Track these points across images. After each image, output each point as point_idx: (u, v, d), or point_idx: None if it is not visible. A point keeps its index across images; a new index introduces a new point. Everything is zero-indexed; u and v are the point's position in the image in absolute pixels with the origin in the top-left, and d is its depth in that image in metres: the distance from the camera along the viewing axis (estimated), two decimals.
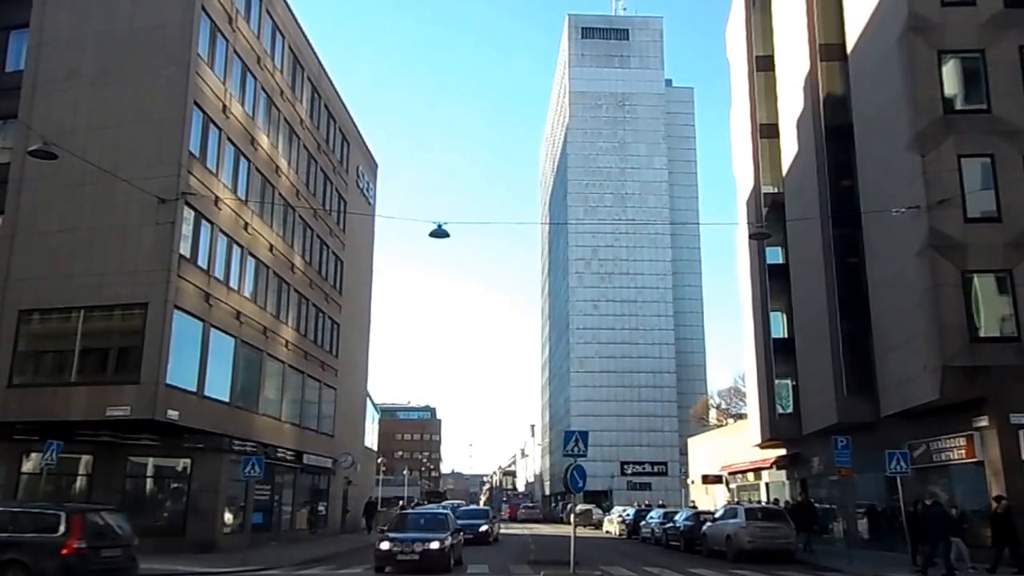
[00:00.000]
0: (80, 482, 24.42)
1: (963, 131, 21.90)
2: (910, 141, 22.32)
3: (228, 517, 26.97)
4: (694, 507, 37.73)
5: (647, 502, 54.07)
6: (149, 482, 25.65)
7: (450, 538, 18.90)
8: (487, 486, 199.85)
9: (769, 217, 33.80)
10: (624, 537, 39.73)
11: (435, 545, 18.13)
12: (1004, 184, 21.54)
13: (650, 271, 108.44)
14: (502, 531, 48.93)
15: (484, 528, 32.12)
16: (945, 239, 21.36)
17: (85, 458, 24.30)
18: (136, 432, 24.09)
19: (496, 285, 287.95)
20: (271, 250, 31.33)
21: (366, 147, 48.25)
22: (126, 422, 22.94)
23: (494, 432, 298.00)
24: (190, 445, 25.13)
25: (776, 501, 31.39)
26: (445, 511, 22.98)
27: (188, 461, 25.44)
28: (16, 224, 24.69)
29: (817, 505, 27.54)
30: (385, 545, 18.06)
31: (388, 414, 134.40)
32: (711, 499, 46.04)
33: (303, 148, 35.80)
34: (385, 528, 21.14)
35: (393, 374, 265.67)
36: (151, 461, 25.47)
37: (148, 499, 25.45)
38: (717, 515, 26.92)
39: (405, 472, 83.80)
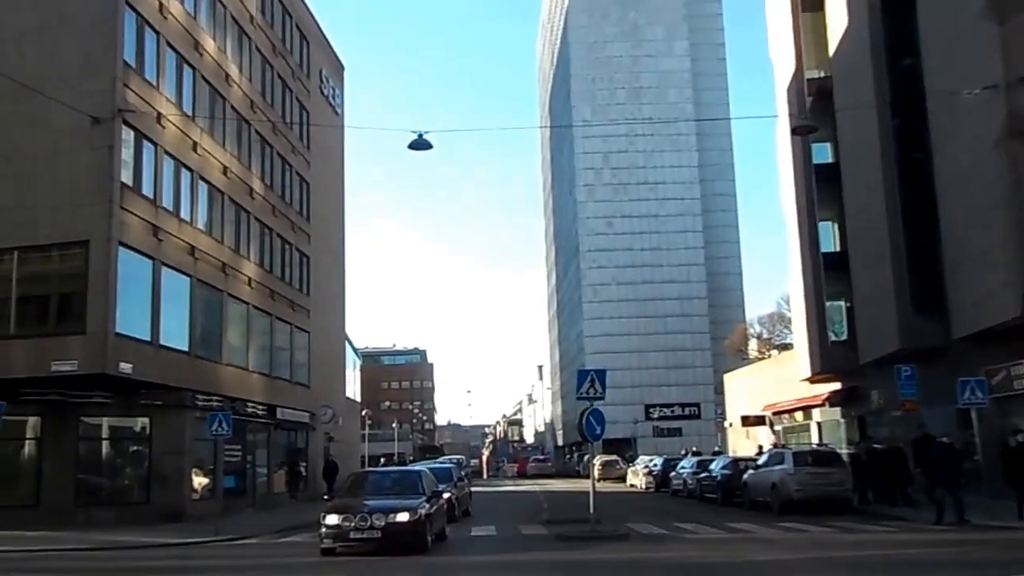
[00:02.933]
0: (28, 447, 25.17)
1: None
2: (984, 6, 22.08)
3: (196, 482, 27.80)
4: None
5: (693, 448, 54.58)
6: (105, 445, 26.38)
7: (426, 505, 16.32)
8: (490, 438, 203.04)
9: (815, 107, 33.57)
10: (651, 490, 40.63)
11: (404, 516, 15.42)
12: None
13: (673, 179, 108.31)
14: (504, 489, 50.08)
15: (446, 495, 23.61)
16: None
17: (32, 420, 24.94)
18: (87, 389, 24.67)
19: (490, 205, 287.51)
20: (225, 173, 31.45)
21: (330, 47, 47.74)
22: (75, 378, 23.48)
23: (496, 376, 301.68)
24: (148, 402, 25.76)
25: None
26: (419, 469, 20.92)
27: (147, 420, 26.11)
28: None
29: (877, 447, 26.38)
30: (333, 519, 15.45)
31: (371, 359, 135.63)
32: (752, 444, 46.99)
33: (256, 51, 35.50)
34: (327, 495, 19.80)
35: (375, 315, 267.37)
36: (105, 421, 26.13)
37: (105, 464, 26.21)
38: (760, 461, 27.53)
39: (394, 425, 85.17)
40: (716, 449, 53.33)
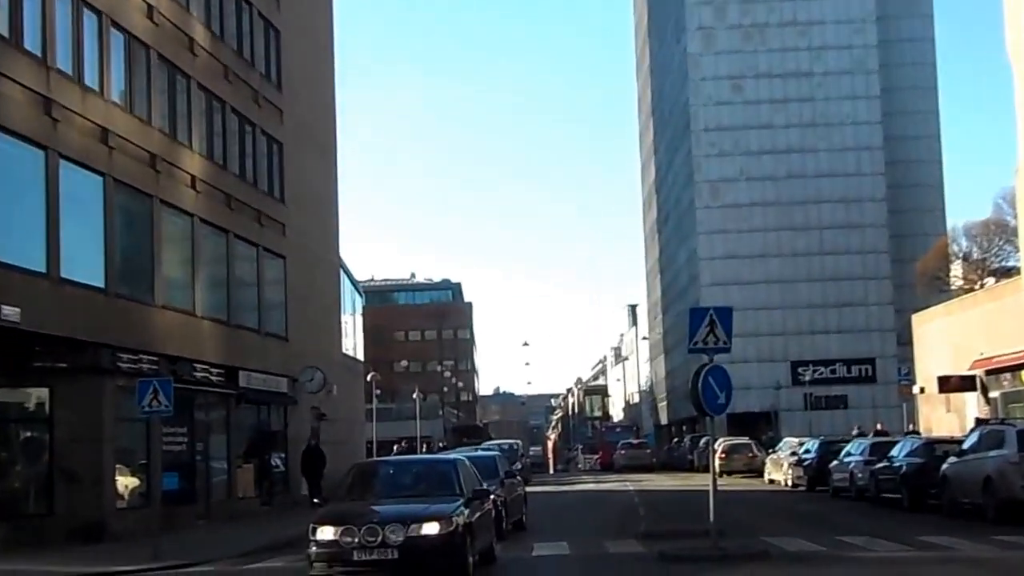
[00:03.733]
0: None
1: None
2: None
3: (122, 483, 28.17)
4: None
5: (879, 424, 53.08)
6: None
7: (465, 511, 16.66)
8: (558, 414, 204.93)
9: None
10: (801, 488, 40.68)
11: (432, 527, 15.73)
12: None
13: (836, 16, 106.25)
14: (580, 488, 50.34)
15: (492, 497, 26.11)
16: None
17: None
18: None
19: (557, 61, 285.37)
20: (151, 16, 31.33)
21: None
22: None
23: (566, 324, 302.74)
24: (46, 364, 25.93)
25: None
26: (454, 457, 21.64)
27: (45, 392, 26.36)
28: None
29: None
30: (327, 532, 15.89)
31: (379, 298, 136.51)
32: (955, 418, 46.55)
33: None
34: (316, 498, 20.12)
35: (383, 234, 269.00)
36: None
37: None
38: (966, 444, 27.27)
39: (415, 396, 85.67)
40: (910, 427, 52.62)
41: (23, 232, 25.03)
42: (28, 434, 26.95)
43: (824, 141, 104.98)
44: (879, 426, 52.96)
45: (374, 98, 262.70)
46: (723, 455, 52.77)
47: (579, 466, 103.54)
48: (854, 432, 49.33)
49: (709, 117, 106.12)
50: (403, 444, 65.89)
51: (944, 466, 27.03)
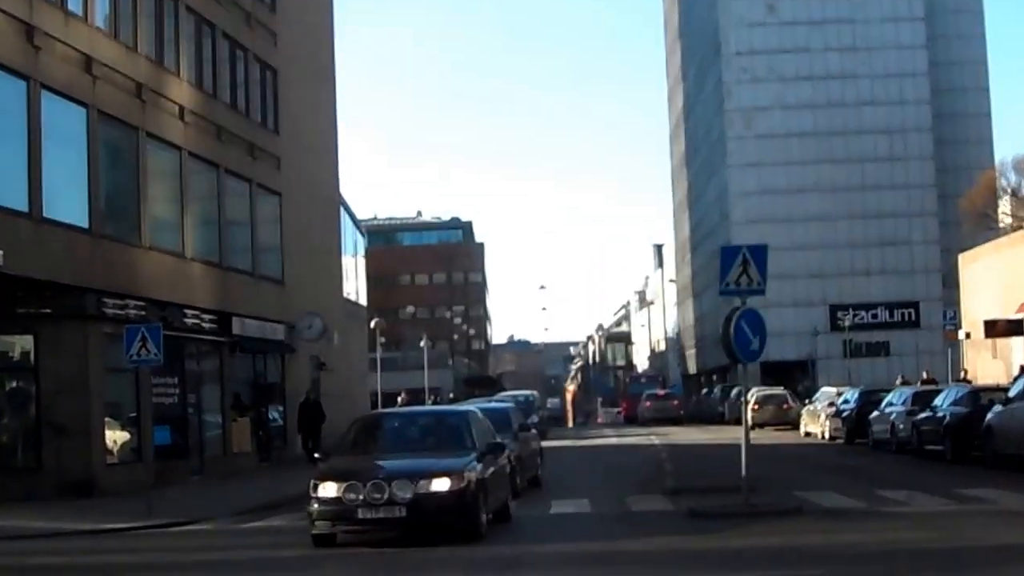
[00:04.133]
0: None
1: None
2: None
3: (112, 436, 28.54)
4: None
5: (925, 372, 53.11)
6: None
7: (478, 466, 16.80)
8: (577, 363, 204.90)
9: None
10: (839, 440, 40.94)
11: (442, 483, 15.84)
12: None
13: None
14: (602, 442, 50.82)
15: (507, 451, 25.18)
16: None
17: None
18: None
19: None
20: None
21: None
22: None
23: (585, 266, 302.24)
24: (29, 310, 26.31)
25: None
26: (465, 408, 22.03)
27: (30, 340, 26.77)
28: None
29: None
30: (330, 489, 15.97)
31: (382, 238, 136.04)
32: (1001, 365, 46.71)
33: None
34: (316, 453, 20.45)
35: (387, 170, 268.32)
36: None
37: None
38: (1012, 392, 27.49)
39: (423, 344, 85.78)
40: (961, 375, 52.68)
41: (4, 169, 25.30)
42: (14, 384, 27.36)
43: (865, 66, 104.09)
44: (926, 374, 52.92)
45: (377, 17, 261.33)
46: (756, 406, 53.02)
47: (600, 419, 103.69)
48: (898, 382, 49.43)
49: (741, 39, 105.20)
50: (405, 396, 65.70)
51: (988, 416, 27.28)
